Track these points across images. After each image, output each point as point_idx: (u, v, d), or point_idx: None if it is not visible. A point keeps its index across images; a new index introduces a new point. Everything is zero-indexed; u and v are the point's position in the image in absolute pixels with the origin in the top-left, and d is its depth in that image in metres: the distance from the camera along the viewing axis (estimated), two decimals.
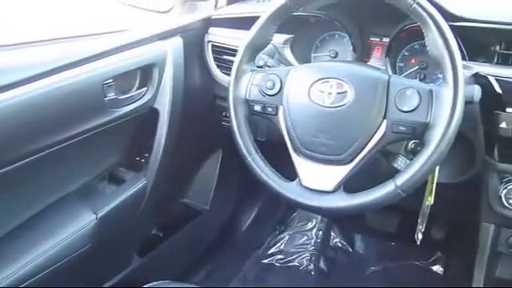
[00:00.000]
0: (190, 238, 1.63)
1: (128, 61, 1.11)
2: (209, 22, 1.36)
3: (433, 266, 1.81)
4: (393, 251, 1.87)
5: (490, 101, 0.94)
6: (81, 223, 1.10)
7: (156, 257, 1.49)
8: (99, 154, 1.16)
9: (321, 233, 1.93)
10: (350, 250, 1.92)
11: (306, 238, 1.93)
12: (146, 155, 1.29)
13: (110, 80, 1.05)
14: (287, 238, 1.94)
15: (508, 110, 0.93)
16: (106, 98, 1.05)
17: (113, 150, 1.21)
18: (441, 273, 1.79)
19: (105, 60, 1.05)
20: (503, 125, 0.94)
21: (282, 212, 2.02)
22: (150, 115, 1.22)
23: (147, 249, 1.47)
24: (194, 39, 1.34)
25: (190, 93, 1.31)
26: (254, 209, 1.92)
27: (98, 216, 1.13)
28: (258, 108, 0.98)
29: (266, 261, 1.86)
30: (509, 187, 1.01)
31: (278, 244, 1.92)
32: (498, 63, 0.98)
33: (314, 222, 1.96)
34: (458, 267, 1.71)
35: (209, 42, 1.35)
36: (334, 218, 1.94)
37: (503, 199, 1.02)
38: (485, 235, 1.16)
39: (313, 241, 1.92)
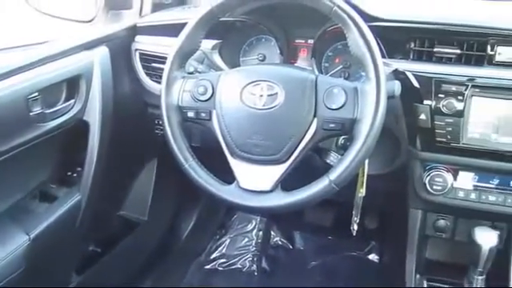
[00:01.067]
0: (129, 251, 1.60)
1: (53, 73, 1.07)
2: (135, 30, 1.34)
3: (368, 255, 1.90)
4: (331, 245, 1.94)
5: (409, 94, 1.01)
6: (12, 246, 1.05)
7: (96, 273, 1.45)
8: (28, 171, 1.11)
9: (261, 233, 1.96)
10: (291, 247, 1.96)
11: (246, 239, 1.95)
12: (79, 169, 1.25)
13: (35, 94, 1.01)
14: (228, 241, 1.95)
15: (425, 102, 1.01)
16: (31, 113, 1.01)
17: (43, 167, 1.16)
18: (376, 261, 1.89)
19: (28, 73, 1.01)
20: (422, 116, 1.02)
21: (222, 216, 2.03)
22: (79, 128, 1.18)
23: (86, 266, 1.42)
24: (120, 48, 1.32)
25: (121, 103, 1.29)
26: (193, 215, 1.92)
27: (31, 237, 1.08)
28: (191, 114, 0.99)
29: (208, 266, 1.86)
30: (431, 174, 1.09)
31: (220, 248, 1.93)
32: (413, 59, 1.06)
33: (254, 223, 1.99)
34: (391, 254, 1.80)
35: (136, 50, 1.33)
36: (274, 217, 1.98)
37: (427, 186, 1.09)
38: (413, 221, 1.24)
39: (254, 242, 1.95)
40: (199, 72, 1.10)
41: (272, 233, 2.00)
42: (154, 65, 1.30)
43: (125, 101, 1.33)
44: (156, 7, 1.41)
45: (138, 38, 1.33)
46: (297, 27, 1.23)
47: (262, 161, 0.92)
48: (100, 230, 1.49)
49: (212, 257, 1.90)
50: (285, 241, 1.98)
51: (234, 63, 1.26)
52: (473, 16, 1.06)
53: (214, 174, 0.99)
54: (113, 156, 1.28)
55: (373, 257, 1.89)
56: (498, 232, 1.09)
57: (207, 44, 1.21)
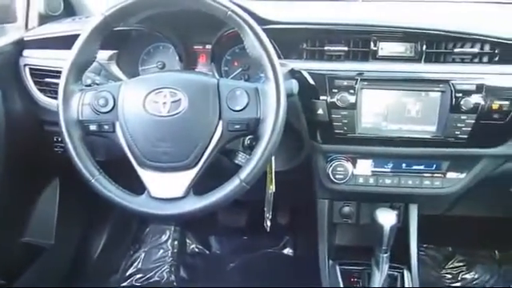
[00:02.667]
0: (38, 279, 1.49)
1: None
2: (22, 45, 1.26)
3: (283, 249, 1.96)
4: (246, 244, 1.97)
5: (307, 92, 1.07)
6: None
7: None
8: None
9: (176, 243, 1.94)
10: (207, 252, 1.97)
11: (162, 251, 1.92)
12: None
13: None
14: (143, 255, 1.91)
15: (322, 97, 1.08)
16: None
17: None
18: (291, 254, 1.96)
19: None
20: (320, 111, 1.09)
21: (135, 230, 1.97)
22: None
23: None
24: (6, 64, 1.23)
25: (13, 123, 1.21)
26: (103, 233, 1.84)
27: None
28: (93, 127, 0.96)
29: (125, 283, 1.80)
30: (333, 164, 1.16)
31: (135, 263, 1.88)
32: (307, 59, 1.12)
33: (168, 234, 1.96)
34: (304, 245, 1.88)
35: (25, 65, 1.25)
36: (188, 224, 1.97)
37: (331, 176, 1.16)
38: (322, 210, 1.31)
39: (170, 252, 1.92)
40: (97, 84, 1.07)
41: (188, 241, 1.99)
42: (47, 80, 1.23)
43: (18, 120, 1.24)
44: (43, 19, 1.35)
45: (26, 52, 1.26)
46: (194, 33, 1.25)
47: (171, 168, 0.92)
48: (2, 260, 1.38)
49: (128, 273, 1.84)
50: (201, 247, 1.98)
51: (133, 73, 1.24)
52: (357, 16, 1.15)
53: (123, 186, 0.97)
54: (10, 180, 1.20)
55: (288, 251, 1.96)
56: (396, 212, 1.19)
57: (103, 55, 1.17)
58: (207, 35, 1.22)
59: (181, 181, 0.92)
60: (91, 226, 1.80)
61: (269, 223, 1.18)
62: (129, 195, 0.95)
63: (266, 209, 1.17)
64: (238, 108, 0.92)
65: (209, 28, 1.17)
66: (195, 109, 0.92)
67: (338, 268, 1.29)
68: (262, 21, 1.02)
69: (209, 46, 1.24)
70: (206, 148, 0.92)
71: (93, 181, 0.94)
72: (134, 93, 0.94)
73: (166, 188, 0.92)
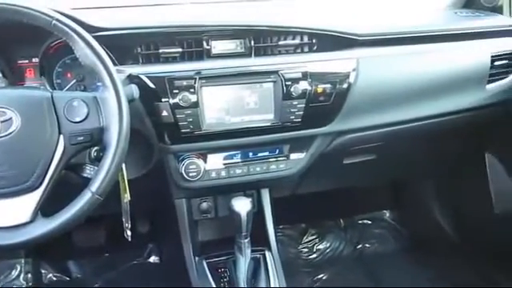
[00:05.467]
0: None
1: None
2: None
3: (148, 258, 1.93)
4: (109, 262, 1.90)
5: (149, 95, 1.07)
6: None
7: None
8: None
9: (30, 275, 1.78)
10: (67, 278, 1.84)
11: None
12: None
13: None
14: None
15: (164, 99, 1.09)
16: None
17: None
18: (158, 261, 1.93)
19: None
20: (164, 113, 1.09)
21: None
22: None
23: None
24: None
25: None
26: None
27: None
28: None
29: None
30: (185, 163, 1.18)
31: None
32: (143, 63, 1.12)
33: (19, 268, 1.78)
34: (169, 249, 1.87)
35: None
36: (40, 253, 1.81)
37: (184, 174, 1.19)
38: (181, 210, 1.33)
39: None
40: None
41: (43, 271, 1.83)
42: None
43: None
44: None
45: None
46: (17, 47, 1.15)
47: (12, 192, 0.85)
48: None
49: None
50: (59, 274, 1.85)
51: None
52: (186, 18, 1.18)
53: None
54: None
55: (153, 259, 1.93)
56: (250, 199, 1.26)
57: None
58: (32, 48, 1.14)
59: (25, 205, 0.85)
60: None
61: (129, 233, 1.15)
62: None
63: (124, 219, 1.14)
64: (78, 119, 0.88)
65: (34, 40, 1.09)
66: (30, 126, 0.86)
67: (204, 263, 1.32)
68: (91, 28, 0.99)
69: (36, 60, 1.16)
70: (49, 166, 0.86)
71: None
72: None
73: (9, 215, 0.84)
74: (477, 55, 1.36)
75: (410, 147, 1.55)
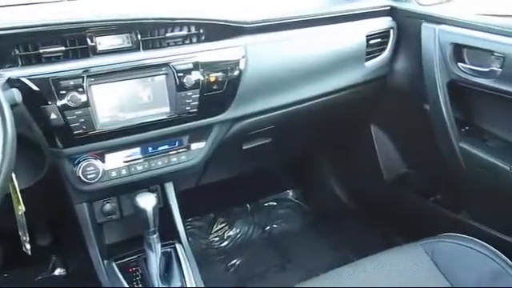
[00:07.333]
0: None
1: None
2: None
3: (53, 272, 1.83)
4: (9, 282, 1.76)
5: (33, 99, 1.02)
6: None
7: None
8: None
9: None
10: None
11: None
12: None
13: None
14: None
15: (51, 102, 1.03)
16: None
17: None
18: (64, 273, 1.84)
19: None
20: (53, 116, 1.04)
21: None
22: None
23: None
24: None
25: None
26: None
27: None
28: None
29: None
30: (82, 166, 1.14)
31: None
32: (23, 65, 1.04)
33: None
34: (75, 259, 1.79)
35: None
36: None
37: (82, 177, 1.14)
38: (83, 215, 1.28)
39: None
40: None
41: None
42: None
43: None
44: None
45: None
46: None
47: None
48: None
49: None
50: None
51: None
52: (66, 15, 1.13)
53: None
54: None
55: (59, 271, 1.83)
56: (155, 194, 1.26)
57: None
58: None
59: None
60: None
61: (28, 246, 1.09)
62: None
63: (20, 232, 1.08)
64: None
65: None
66: None
67: (114, 265, 1.29)
68: None
69: None
70: None
71: None
72: None
73: None
74: (354, 35, 1.46)
75: (303, 127, 1.64)
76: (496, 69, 1.25)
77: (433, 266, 1.15)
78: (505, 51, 1.22)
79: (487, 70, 1.28)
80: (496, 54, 1.24)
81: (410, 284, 1.11)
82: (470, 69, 1.33)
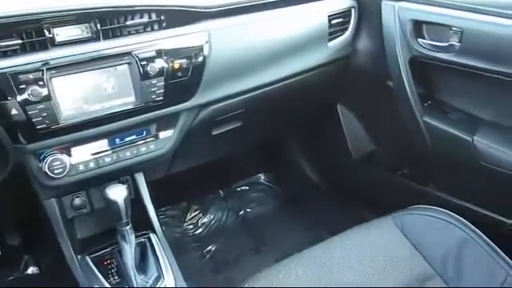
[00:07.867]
0: None
1: None
2: None
3: (26, 271, 1.79)
4: None
5: None
6: None
7: None
8: None
9: None
10: None
11: None
12: None
13: None
14: None
15: (11, 97, 1.00)
16: None
17: None
18: (37, 272, 1.81)
19: None
20: (14, 111, 1.01)
21: None
22: None
23: None
24: None
25: None
26: None
27: None
28: None
29: None
30: (48, 161, 1.11)
31: None
32: None
33: None
34: (47, 256, 1.76)
35: None
36: None
37: (49, 173, 1.12)
38: (52, 211, 1.26)
39: None
40: None
41: None
42: None
43: None
44: None
45: None
46: None
47: None
48: None
49: None
50: None
51: None
52: (18, 6, 1.09)
53: None
54: None
55: (32, 270, 1.80)
56: (125, 185, 1.24)
57: None
58: None
59: None
60: None
61: None
62: None
63: None
64: None
65: None
66: None
67: (88, 259, 1.28)
68: None
69: None
70: None
71: None
72: None
73: None
74: (316, 16, 1.47)
75: (271, 110, 1.64)
76: (455, 43, 1.28)
77: (403, 238, 1.19)
78: (462, 25, 1.25)
79: (446, 44, 1.31)
80: (454, 28, 1.27)
81: (381, 256, 1.14)
82: (430, 44, 1.35)
